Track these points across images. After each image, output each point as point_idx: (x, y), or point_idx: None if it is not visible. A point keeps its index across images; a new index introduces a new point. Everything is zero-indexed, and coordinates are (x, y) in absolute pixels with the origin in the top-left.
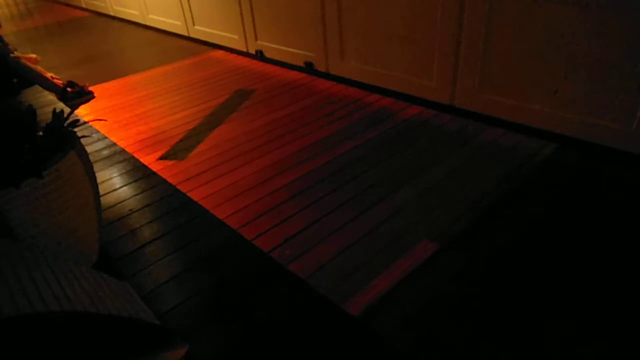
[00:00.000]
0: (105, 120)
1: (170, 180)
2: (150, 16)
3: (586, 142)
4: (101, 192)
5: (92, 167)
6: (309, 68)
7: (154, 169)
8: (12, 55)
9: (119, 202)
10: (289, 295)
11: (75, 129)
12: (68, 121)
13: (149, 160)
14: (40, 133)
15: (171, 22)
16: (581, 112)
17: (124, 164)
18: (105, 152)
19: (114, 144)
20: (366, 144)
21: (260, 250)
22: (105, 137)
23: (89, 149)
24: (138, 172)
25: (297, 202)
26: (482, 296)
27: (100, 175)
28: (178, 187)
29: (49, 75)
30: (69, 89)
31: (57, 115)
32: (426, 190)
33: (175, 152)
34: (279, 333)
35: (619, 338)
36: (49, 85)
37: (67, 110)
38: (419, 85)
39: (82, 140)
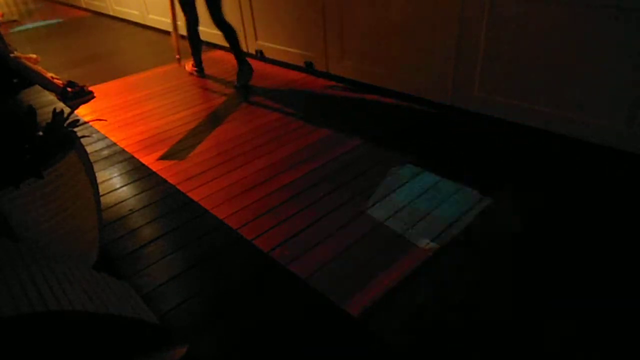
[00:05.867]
0: (105, 120)
1: (170, 180)
2: (150, 16)
3: (586, 142)
4: (101, 192)
5: (92, 167)
6: (309, 68)
7: (154, 169)
8: (12, 55)
9: (119, 202)
10: (289, 295)
11: (75, 129)
12: (68, 121)
13: (149, 160)
14: (40, 133)
15: (171, 22)
16: (581, 112)
17: (124, 164)
18: (105, 152)
19: (114, 144)
20: (365, 144)
21: (260, 250)
22: (105, 137)
23: (89, 149)
24: (138, 172)
25: (297, 202)
26: (482, 296)
27: (100, 175)
28: (178, 187)
29: (49, 75)
30: (69, 89)
31: (57, 115)
32: (426, 190)
33: (175, 152)
34: (279, 333)
35: (618, 337)
36: (49, 85)
37: (67, 110)
38: (419, 85)
39: (82, 140)
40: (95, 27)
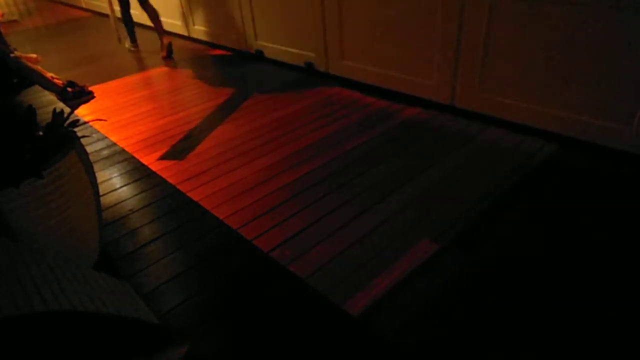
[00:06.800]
0: (105, 120)
1: (170, 180)
2: None
3: (586, 142)
4: (101, 192)
5: (92, 167)
6: (309, 68)
7: (154, 169)
8: (12, 55)
9: (119, 202)
10: (289, 295)
11: (75, 129)
12: (68, 121)
13: (149, 160)
14: (40, 133)
15: (171, 22)
16: (581, 112)
17: (124, 164)
18: (105, 152)
19: (114, 144)
20: (366, 144)
21: (260, 250)
22: (105, 137)
23: (89, 149)
24: (138, 172)
25: (297, 202)
26: (483, 296)
27: (100, 175)
28: (178, 187)
29: (49, 75)
30: (69, 89)
31: (57, 115)
32: (426, 190)
33: (175, 152)
34: (279, 333)
35: (618, 337)
36: (49, 85)
37: (67, 110)
38: (419, 85)
39: (82, 140)
40: (95, 27)
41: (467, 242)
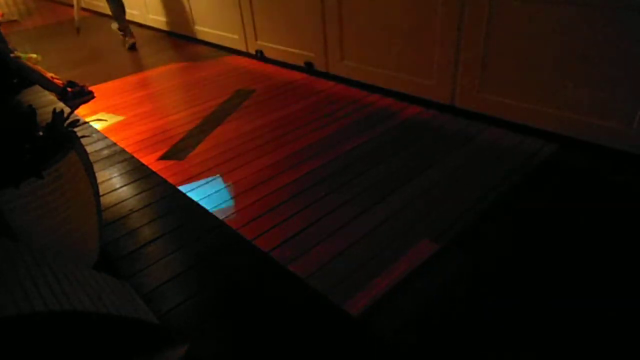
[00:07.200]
0: (106, 120)
1: (170, 180)
2: (150, 16)
3: (586, 142)
4: (101, 192)
5: (92, 167)
6: (309, 68)
7: (154, 169)
8: (12, 55)
9: (119, 202)
10: (289, 295)
11: (75, 129)
12: (68, 121)
13: (149, 160)
14: (40, 133)
15: (171, 22)
16: (581, 112)
17: (124, 164)
18: (105, 152)
19: (114, 144)
20: (366, 144)
21: (260, 250)
22: (105, 137)
23: (89, 149)
24: (138, 172)
25: (297, 202)
26: (482, 296)
27: (100, 175)
28: (178, 187)
29: (49, 75)
30: (69, 89)
31: (57, 115)
32: (426, 191)
33: (175, 152)
34: (279, 333)
35: (618, 337)
36: (49, 85)
37: (67, 110)
38: (419, 85)
39: (82, 140)
40: (95, 27)
41: (467, 242)
